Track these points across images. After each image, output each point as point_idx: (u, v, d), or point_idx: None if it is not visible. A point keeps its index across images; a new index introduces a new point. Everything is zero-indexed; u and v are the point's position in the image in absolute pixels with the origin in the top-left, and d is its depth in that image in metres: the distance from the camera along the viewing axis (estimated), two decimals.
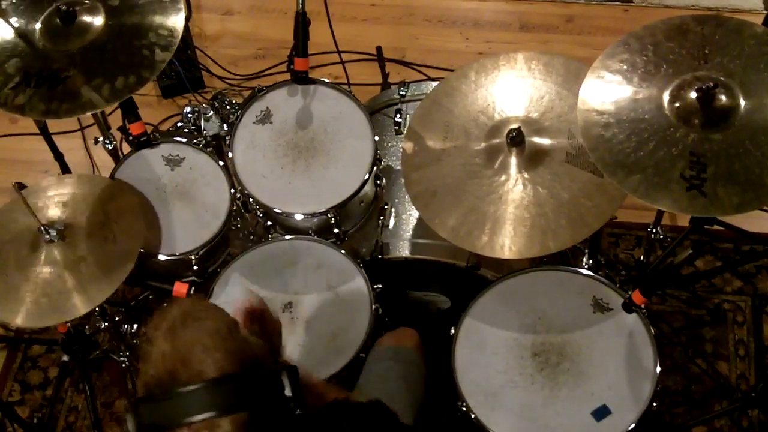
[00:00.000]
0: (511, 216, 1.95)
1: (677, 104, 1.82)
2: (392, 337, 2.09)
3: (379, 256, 2.26)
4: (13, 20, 2.15)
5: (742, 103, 1.79)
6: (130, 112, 2.30)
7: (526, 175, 1.99)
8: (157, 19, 2.09)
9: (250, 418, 1.21)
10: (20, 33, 2.13)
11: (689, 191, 1.72)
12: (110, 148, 2.46)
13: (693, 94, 1.80)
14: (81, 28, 2.11)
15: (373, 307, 2.10)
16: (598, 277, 2.06)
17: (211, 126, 2.44)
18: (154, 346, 1.24)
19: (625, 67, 1.87)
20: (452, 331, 2.03)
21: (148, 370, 1.23)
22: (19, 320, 2.02)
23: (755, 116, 1.78)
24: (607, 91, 1.86)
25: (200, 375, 1.20)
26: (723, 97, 1.79)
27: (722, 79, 1.81)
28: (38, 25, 2.14)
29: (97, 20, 2.12)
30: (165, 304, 1.31)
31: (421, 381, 2.00)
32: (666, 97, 1.83)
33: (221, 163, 2.35)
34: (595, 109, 1.84)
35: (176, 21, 2.09)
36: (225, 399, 1.20)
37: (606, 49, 1.92)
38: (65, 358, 2.63)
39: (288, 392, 1.26)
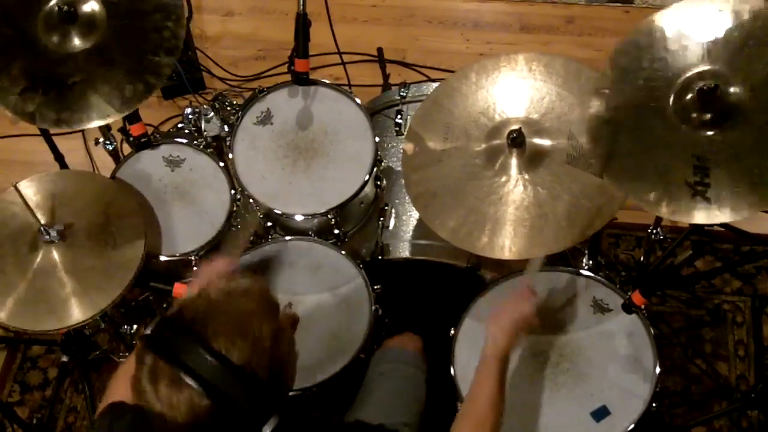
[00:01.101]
0: (511, 217, 1.95)
1: (679, 105, 1.81)
2: (397, 341, 2.11)
3: (379, 257, 2.26)
4: (13, 19, 2.15)
5: (745, 98, 1.76)
6: (131, 113, 2.29)
7: (526, 176, 1.99)
8: (158, 17, 2.08)
9: (209, 411, 1.23)
10: (19, 32, 2.12)
11: (694, 198, 1.71)
12: (111, 149, 2.46)
13: (695, 94, 1.79)
14: (83, 24, 2.10)
15: (373, 307, 2.10)
16: (598, 277, 2.06)
17: (211, 127, 2.44)
18: (215, 288, 1.30)
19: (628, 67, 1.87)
20: (452, 331, 2.03)
21: (197, 299, 1.29)
22: (16, 322, 2.02)
23: (758, 114, 1.76)
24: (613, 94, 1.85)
25: (223, 346, 1.24)
26: (725, 96, 1.77)
27: (725, 74, 1.79)
28: (38, 24, 2.13)
29: (95, 6, 2.12)
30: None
31: (423, 382, 2.02)
32: (669, 97, 1.82)
33: (221, 164, 2.35)
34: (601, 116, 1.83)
35: (179, 24, 2.08)
36: (214, 380, 1.22)
37: (612, 48, 1.91)
38: (65, 358, 2.64)
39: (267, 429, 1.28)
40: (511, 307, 1.76)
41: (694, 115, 1.78)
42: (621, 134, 1.83)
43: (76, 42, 2.10)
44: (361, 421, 1.74)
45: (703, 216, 1.72)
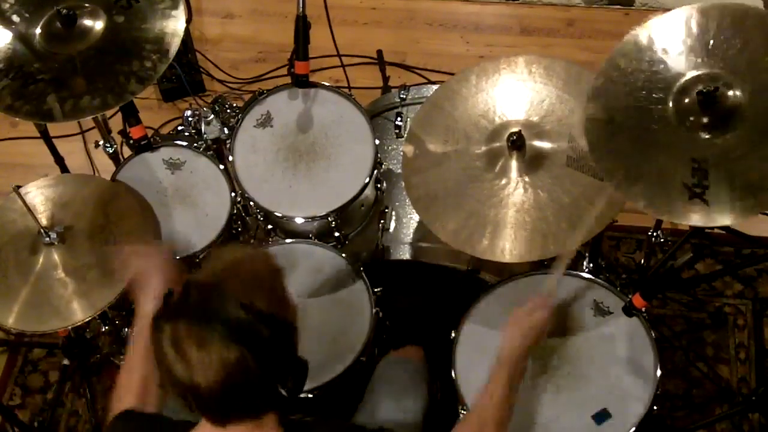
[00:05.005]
0: (511, 219, 1.95)
1: (679, 107, 1.80)
2: (400, 352, 2.13)
3: (380, 260, 2.26)
4: (16, 17, 2.15)
5: (744, 100, 1.75)
6: (131, 116, 2.29)
7: (526, 179, 1.99)
8: (149, 47, 2.07)
9: (240, 362, 1.25)
10: (21, 31, 2.12)
11: (691, 200, 1.70)
12: (111, 151, 2.46)
13: (694, 97, 1.78)
14: (80, 33, 2.11)
15: (374, 310, 2.10)
16: (599, 280, 2.06)
17: (211, 130, 2.44)
18: (236, 252, 1.39)
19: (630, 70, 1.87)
20: (453, 334, 2.03)
21: (203, 275, 1.34)
22: (19, 324, 2.02)
23: (758, 117, 1.75)
24: (612, 93, 1.85)
25: (241, 298, 1.28)
26: (724, 99, 1.77)
27: (724, 76, 1.78)
28: (41, 22, 2.13)
29: (98, 24, 2.12)
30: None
31: (426, 390, 2.02)
32: (666, 99, 1.82)
33: (222, 166, 2.34)
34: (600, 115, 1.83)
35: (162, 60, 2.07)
36: (241, 328, 1.26)
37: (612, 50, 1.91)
38: (66, 361, 2.63)
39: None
40: (531, 311, 1.75)
41: (693, 118, 1.77)
42: (619, 135, 1.82)
43: (64, 45, 2.10)
44: (362, 426, 1.74)
45: (699, 218, 1.70)
